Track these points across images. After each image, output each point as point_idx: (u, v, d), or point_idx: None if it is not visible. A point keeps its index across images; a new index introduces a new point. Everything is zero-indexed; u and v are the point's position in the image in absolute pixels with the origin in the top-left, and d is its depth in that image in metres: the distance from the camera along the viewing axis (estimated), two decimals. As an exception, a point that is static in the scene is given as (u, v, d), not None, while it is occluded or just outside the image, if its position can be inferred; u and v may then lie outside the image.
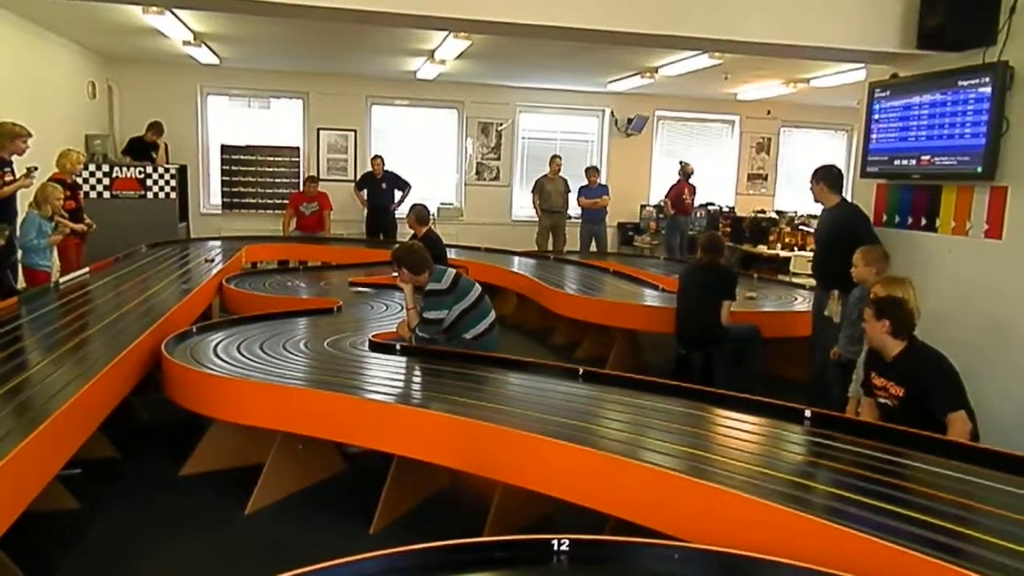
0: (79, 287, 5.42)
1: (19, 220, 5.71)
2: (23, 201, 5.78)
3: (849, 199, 5.08)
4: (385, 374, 3.81)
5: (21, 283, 5.71)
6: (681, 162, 10.48)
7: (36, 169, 5.63)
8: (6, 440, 2.53)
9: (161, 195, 8.75)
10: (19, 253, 5.68)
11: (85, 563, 3.02)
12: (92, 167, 8.36)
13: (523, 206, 11.52)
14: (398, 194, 10.05)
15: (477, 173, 11.53)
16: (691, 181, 10.37)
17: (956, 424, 3.10)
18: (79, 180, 7.44)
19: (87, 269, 5.99)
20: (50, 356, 3.66)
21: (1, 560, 2.72)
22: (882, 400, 3.38)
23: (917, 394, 3.21)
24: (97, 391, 3.26)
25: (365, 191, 10.01)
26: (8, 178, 5.42)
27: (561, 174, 10.20)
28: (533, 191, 10.18)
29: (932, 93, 4.48)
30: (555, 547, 1.91)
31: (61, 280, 5.52)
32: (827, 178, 4.86)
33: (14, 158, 5.53)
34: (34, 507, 2.64)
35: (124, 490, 3.70)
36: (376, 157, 10.03)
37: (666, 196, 10.45)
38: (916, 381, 3.22)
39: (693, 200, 10.52)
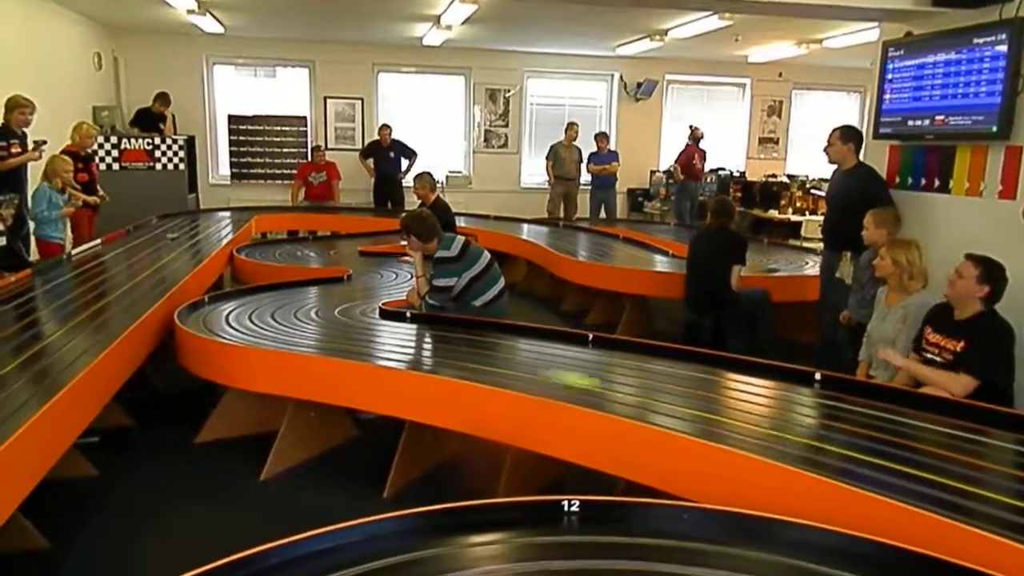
0: (92, 258, 5.45)
1: (31, 192, 5.73)
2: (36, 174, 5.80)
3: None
4: (396, 341, 3.83)
5: (34, 255, 5.75)
6: (691, 126, 10.34)
7: (45, 142, 5.65)
8: (25, 408, 2.57)
9: (170, 166, 8.75)
10: (31, 225, 5.72)
11: (104, 528, 3.07)
12: (101, 139, 8.35)
13: (531, 173, 11.46)
14: (405, 162, 10.00)
15: (485, 140, 11.45)
16: (701, 146, 10.24)
17: (959, 382, 3.09)
18: (99, 152, 7.46)
19: (99, 240, 6.02)
20: (65, 326, 3.69)
21: (23, 525, 2.78)
22: (930, 356, 3.34)
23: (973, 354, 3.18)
24: (112, 360, 3.30)
25: (372, 160, 9.97)
26: (15, 150, 5.43)
27: (575, 142, 10.11)
28: (548, 157, 10.10)
29: (947, 51, 4.39)
30: (565, 508, 1.93)
31: (73, 251, 5.55)
32: (855, 138, 4.79)
33: (24, 131, 5.54)
34: (54, 474, 2.70)
35: (140, 458, 3.76)
36: (384, 126, 9.97)
37: (676, 161, 10.34)
38: (979, 339, 3.17)
39: (704, 165, 10.39)
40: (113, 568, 2.79)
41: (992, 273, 3.24)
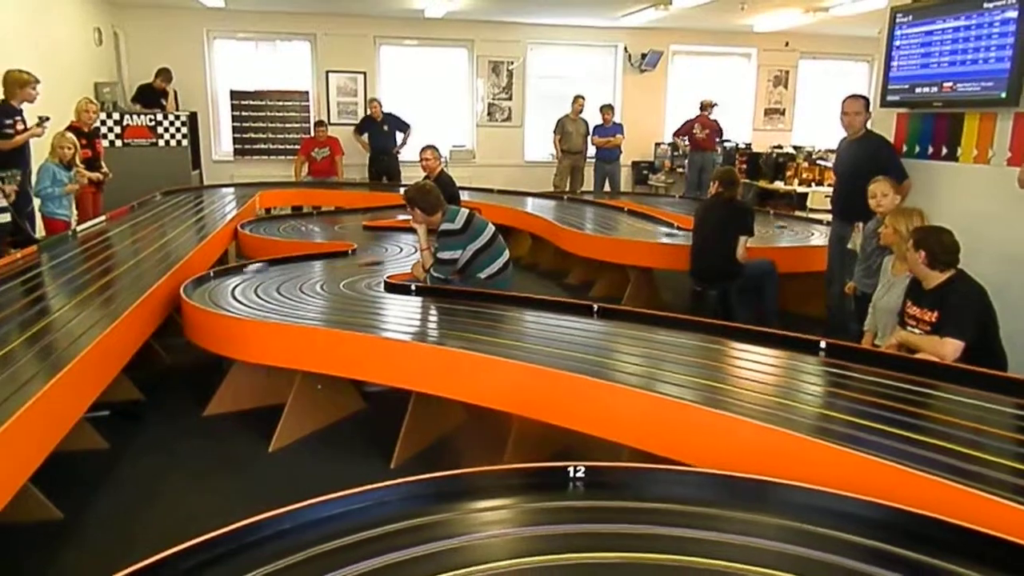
0: (97, 235, 5.47)
1: (35, 170, 5.73)
2: (37, 152, 5.79)
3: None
4: (401, 314, 3.84)
5: (40, 232, 5.76)
6: (702, 101, 10.18)
7: (48, 119, 5.62)
8: (34, 381, 2.60)
9: (172, 143, 8.73)
10: (36, 202, 5.72)
11: (116, 500, 3.12)
12: (103, 115, 8.32)
13: (535, 147, 11.40)
14: (399, 136, 9.95)
15: (489, 114, 11.38)
16: (714, 116, 10.04)
17: (945, 347, 3.10)
18: (102, 129, 7.44)
19: (104, 217, 6.03)
20: (72, 301, 3.71)
21: (36, 496, 2.82)
22: (911, 328, 3.37)
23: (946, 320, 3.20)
24: (119, 334, 3.32)
25: (366, 135, 9.92)
26: (20, 127, 5.42)
27: (582, 115, 10.02)
28: (555, 131, 10.03)
29: (956, 17, 4.33)
30: (571, 474, 1.95)
31: (79, 228, 5.56)
32: (868, 106, 4.76)
33: (25, 106, 5.52)
34: (65, 446, 2.73)
35: (150, 431, 3.80)
36: (374, 100, 9.93)
37: (675, 133, 10.25)
38: (946, 306, 3.21)
39: (714, 136, 10.18)
40: (124, 537, 2.83)
41: (921, 240, 3.27)
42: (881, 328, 3.83)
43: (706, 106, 10.04)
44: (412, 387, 3.34)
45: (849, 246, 4.72)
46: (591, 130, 10.04)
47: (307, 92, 10.63)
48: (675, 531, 1.76)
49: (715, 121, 10.08)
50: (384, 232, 6.22)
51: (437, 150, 6.50)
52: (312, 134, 9.86)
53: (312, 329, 3.53)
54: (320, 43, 10.65)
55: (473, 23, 10.69)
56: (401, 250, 5.46)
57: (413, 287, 4.16)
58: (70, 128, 6.20)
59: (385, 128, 9.84)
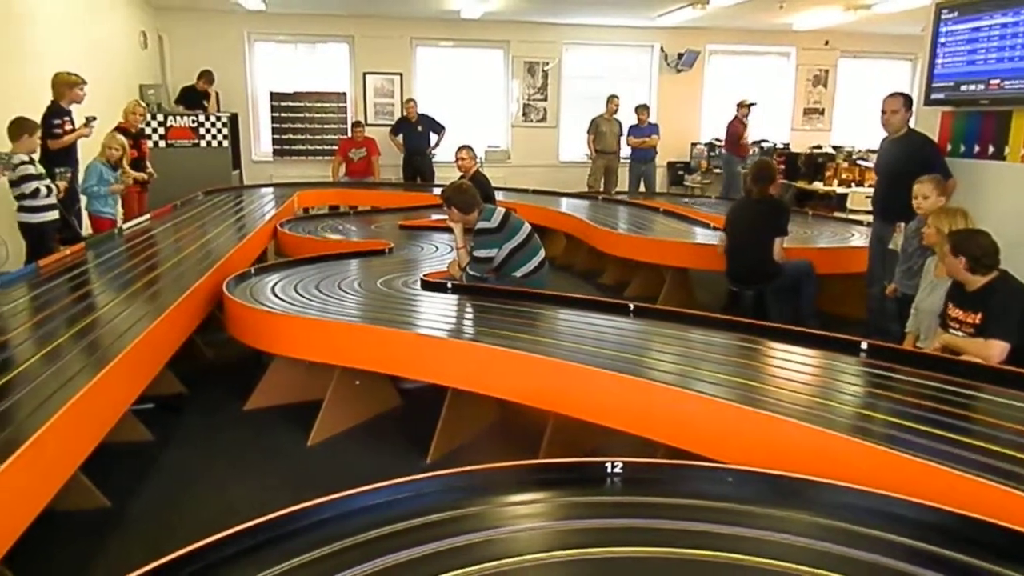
0: (141, 232, 5.60)
1: (82, 169, 5.89)
2: (84, 151, 5.95)
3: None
4: (438, 311, 3.87)
5: (87, 229, 5.92)
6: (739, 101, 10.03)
7: (95, 119, 5.78)
8: (82, 374, 2.67)
9: (214, 143, 8.90)
10: (83, 201, 5.88)
11: (160, 489, 3.19)
12: (148, 116, 8.52)
13: (569, 147, 11.39)
14: (434, 137, 10.01)
15: (524, 115, 11.39)
16: (745, 120, 9.95)
17: (992, 349, 3.04)
18: (147, 130, 7.63)
19: (148, 215, 6.18)
20: (118, 297, 3.81)
21: (85, 485, 2.90)
22: (954, 331, 3.31)
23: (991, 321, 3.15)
24: (164, 329, 3.40)
25: (401, 135, 10.00)
26: (68, 127, 5.58)
27: (616, 115, 9.99)
28: (589, 131, 10.01)
29: (1004, 13, 4.24)
30: (608, 469, 1.95)
31: (124, 226, 5.70)
32: (911, 105, 4.68)
33: (73, 107, 5.68)
34: (113, 438, 2.81)
35: (193, 424, 3.88)
36: (410, 100, 10.00)
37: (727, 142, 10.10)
38: (990, 308, 3.15)
39: (731, 139, 10.02)
40: (168, 524, 2.90)
41: (960, 245, 3.21)
42: (924, 330, 3.76)
43: (740, 106, 9.88)
44: (448, 383, 3.37)
45: (890, 246, 4.64)
46: (626, 130, 10.00)
47: (345, 93, 10.76)
48: (713, 528, 1.75)
49: (736, 122, 9.88)
50: (420, 231, 6.27)
51: (472, 150, 6.54)
52: (349, 135, 9.98)
53: (350, 325, 3.58)
54: (358, 45, 10.77)
55: (509, 24, 10.72)
56: (437, 249, 5.50)
57: (449, 285, 4.19)
58: (117, 129, 6.37)
59: (419, 129, 9.91)
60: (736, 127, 9.90)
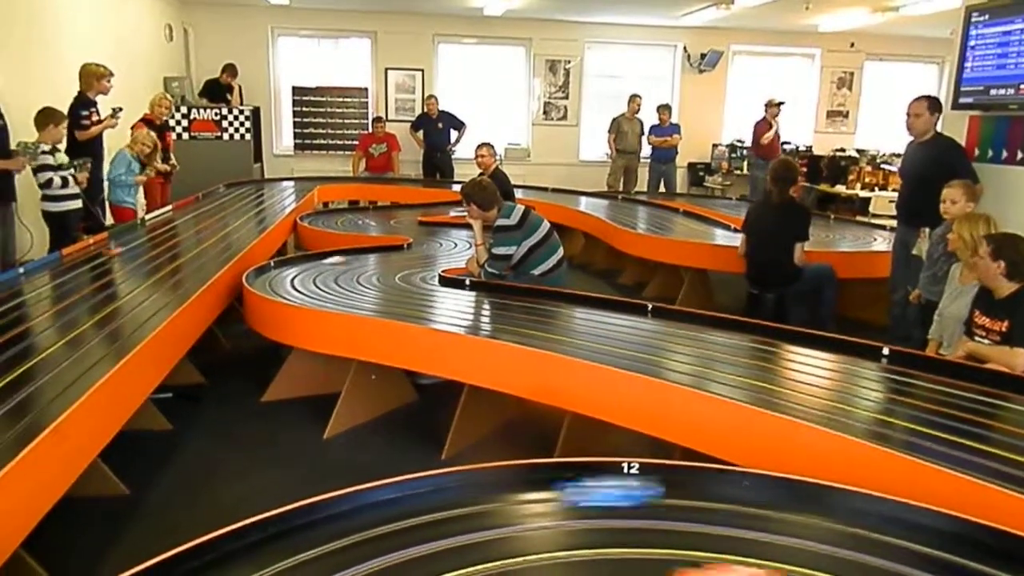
0: (163, 224, 5.66)
1: (106, 158, 5.96)
2: (110, 141, 6.02)
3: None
4: (455, 307, 3.88)
5: (108, 219, 5.99)
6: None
7: (121, 110, 5.84)
8: (103, 362, 2.70)
9: (236, 136, 8.97)
10: (105, 191, 5.95)
11: (179, 479, 3.22)
12: (172, 110, 8.59)
13: (590, 146, 11.35)
14: (454, 134, 10.02)
15: (544, 113, 11.38)
16: (773, 120, 9.55)
17: (1018, 357, 3.00)
18: (171, 123, 7.72)
19: (170, 207, 6.23)
20: (139, 287, 3.85)
21: (105, 472, 2.93)
22: (980, 339, 3.26)
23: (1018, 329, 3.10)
24: (184, 319, 3.43)
25: (421, 131, 10.02)
26: (95, 118, 5.64)
27: (638, 115, 9.93)
28: (610, 130, 9.97)
29: (1036, 16, 4.17)
30: (625, 469, 1.94)
31: (147, 217, 5.76)
32: (939, 108, 4.61)
33: (99, 98, 5.74)
34: (132, 426, 2.84)
35: (211, 414, 3.91)
36: (431, 97, 10.01)
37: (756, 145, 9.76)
38: (1018, 315, 3.10)
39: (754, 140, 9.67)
40: (187, 512, 2.93)
41: (1002, 249, 3.15)
42: (947, 337, 3.71)
43: (768, 106, 9.66)
44: (464, 379, 3.37)
45: (914, 252, 4.58)
46: (647, 130, 9.95)
47: (366, 89, 10.80)
48: (728, 531, 1.73)
49: (763, 122, 9.52)
50: (439, 227, 6.28)
51: (493, 147, 6.55)
52: (370, 130, 10.01)
53: (368, 319, 3.59)
54: (380, 40, 10.80)
55: (531, 21, 10.70)
56: (455, 245, 5.51)
57: (467, 281, 4.19)
58: (143, 120, 6.43)
59: (440, 125, 9.92)
60: (760, 127, 9.66)
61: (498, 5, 9.36)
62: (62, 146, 5.18)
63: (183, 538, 1.53)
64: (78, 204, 5.16)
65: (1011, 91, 4.34)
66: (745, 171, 11.05)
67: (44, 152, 4.91)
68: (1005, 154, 4.49)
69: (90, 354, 2.80)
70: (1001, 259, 3.14)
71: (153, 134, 6.11)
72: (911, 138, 4.83)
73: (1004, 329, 3.15)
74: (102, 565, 2.57)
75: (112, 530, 2.78)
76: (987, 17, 4.51)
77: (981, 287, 3.35)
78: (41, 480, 2.08)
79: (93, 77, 5.63)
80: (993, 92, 4.47)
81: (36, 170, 4.92)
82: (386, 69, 10.87)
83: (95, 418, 2.46)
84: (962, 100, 4.72)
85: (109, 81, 5.70)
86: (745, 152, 10.85)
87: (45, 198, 5.02)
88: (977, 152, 4.68)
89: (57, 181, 4.94)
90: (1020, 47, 4.27)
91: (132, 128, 6.27)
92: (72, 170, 5.06)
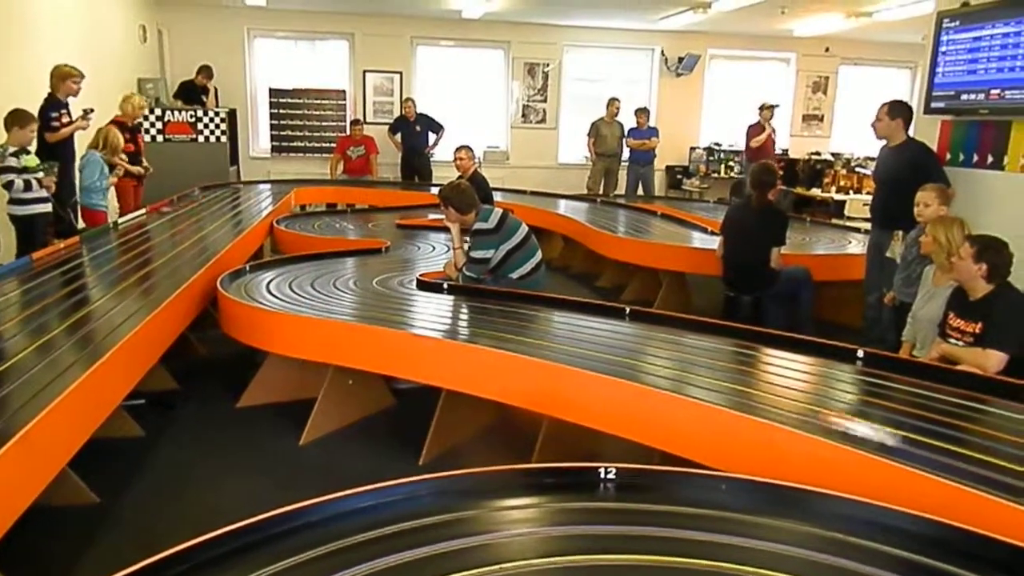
0: (137, 227, 5.58)
1: (77, 161, 5.86)
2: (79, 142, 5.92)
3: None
4: (433, 312, 3.85)
5: (80, 223, 5.89)
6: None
7: (92, 111, 5.75)
8: (73, 369, 2.65)
9: (212, 139, 8.87)
10: (77, 194, 5.85)
11: (150, 487, 3.17)
12: (146, 110, 8.49)
13: (569, 149, 11.38)
14: (432, 137, 9.99)
15: (523, 116, 11.38)
16: (767, 123, 9.42)
17: (989, 359, 3.04)
18: (144, 125, 7.61)
19: (144, 210, 6.15)
20: (111, 292, 3.79)
21: (74, 481, 2.88)
22: (954, 341, 3.30)
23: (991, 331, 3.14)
24: (157, 325, 3.38)
25: (399, 134, 9.98)
26: (64, 119, 5.54)
27: (617, 118, 9.96)
28: (589, 134, 9.98)
29: (1006, 23, 4.23)
30: (602, 475, 1.93)
31: (120, 220, 5.67)
32: (904, 113, 4.66)
33: (70, 100, 5.65)
34: (103, 434, 2.78)
35: (184, 420, 3.86)
36: (408, 100, 9.98)
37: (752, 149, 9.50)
38: (992, 317, 3.15)
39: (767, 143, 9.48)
40: (159, 522, 2.88)
41: (985, 252, 3.19)
42: (920, 339, 3.75)
43: (762, 109, 9.41)
44: (442, 385, 3.35)
45: (888, 254, 4.64)
46: (626, 133, 9.99)
47: (344, 91, 10.74)
48: (706, 536, 1.74)
49: (757, 126, 9.45)
50: (417, 231, 6.25)
51: (471, 150, 6.53)
52: (348, 133, 9.96)
53: (344, 324, 3.56)
54: (358, 42, 10.75)
55: (510, 24, 10.71)
56: (433, 249, 5.48)
57: (445, 286, 4.17)
58: (113, 122, 6.33)
59: (418, 128, 9.89)
60: (754, 130, 9.43)
61: (477, 8, 9.36)
62: (32, 148, 5.08)
63: (156, 548, 1.50)
64: (47, 208, 5.06)
65: (981, 96, 4.40)
66: (723, 174, 11.15)
67: (11, 155, 4.81)
68: (976, 158, 4.56)
69: (60, 360, 2.75)
70: (983, 261, 3.18)
71: (118, 132, 6.02)
72: (884, 142, 4.89)
73: (977, 331, 3.19)
74: (72, 576, 2.52)
75: (83, 540, 2.72)
76: (958, 23, 4.57)
77: (956, 289, 3.40)
78: (8, 489, 2.03)
79: (61, 79, 5.53)
80: (964, 97, 4.54)
81: None
82: (364, 71, 10.82)
83: (65, 425, 2.41)
84: (934, 105, 4.78)
85: (77, 83, 5.60)
86: (723, 155, 10.94)
87: (11, 201, 4.92)
88: (948, 156, 4.74)
89: (19, 184, 4.83)
90: (990, 53, 4.34)
91: (98, 130, 6.15)
92: (40, 173, 4.95)
